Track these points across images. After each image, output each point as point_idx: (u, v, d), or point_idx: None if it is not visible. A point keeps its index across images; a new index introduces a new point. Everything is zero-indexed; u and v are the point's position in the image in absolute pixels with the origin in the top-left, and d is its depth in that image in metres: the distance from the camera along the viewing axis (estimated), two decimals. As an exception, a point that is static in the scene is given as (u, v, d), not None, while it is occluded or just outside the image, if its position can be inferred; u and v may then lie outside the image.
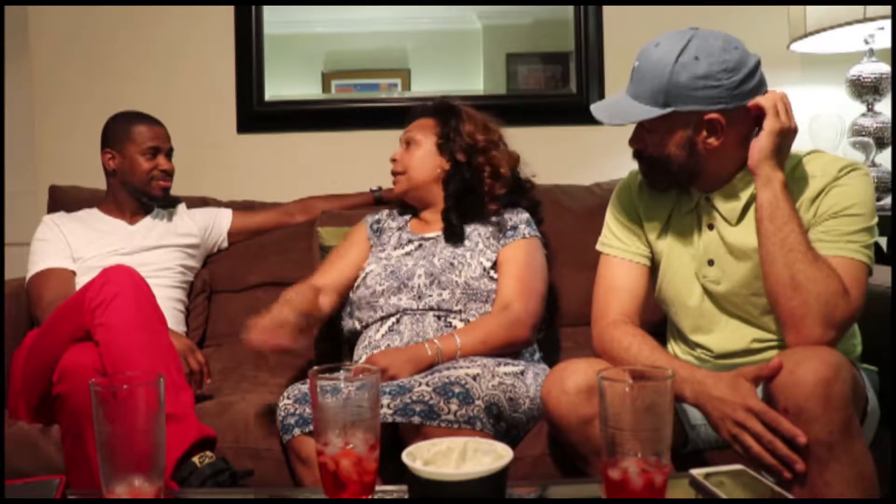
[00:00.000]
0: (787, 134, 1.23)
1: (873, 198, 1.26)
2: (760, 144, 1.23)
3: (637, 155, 1.35)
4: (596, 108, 1.31)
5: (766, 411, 1.11)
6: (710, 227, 1.34)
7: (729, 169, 1.31)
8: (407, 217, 1.85)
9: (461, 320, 1.61)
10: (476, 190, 1.74)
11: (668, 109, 1.23)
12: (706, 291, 1.36)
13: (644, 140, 1.31)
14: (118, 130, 1.96)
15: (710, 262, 1.34)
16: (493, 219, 1.74)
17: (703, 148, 1.27)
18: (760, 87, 1.26)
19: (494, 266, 1.68)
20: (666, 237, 1.40)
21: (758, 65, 1.26)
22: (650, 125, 1.27)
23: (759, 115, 1.25)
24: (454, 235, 1.71)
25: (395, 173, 1.79)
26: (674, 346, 1.47)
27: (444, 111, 1.81)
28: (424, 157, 1.76)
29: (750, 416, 1.11)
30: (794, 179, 1.28)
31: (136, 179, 1.95)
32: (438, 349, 1.48)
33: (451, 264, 1.65)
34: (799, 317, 1.17)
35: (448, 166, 1.76)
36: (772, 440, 1.09)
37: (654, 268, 1.43)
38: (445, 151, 1.76)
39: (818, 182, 1.26)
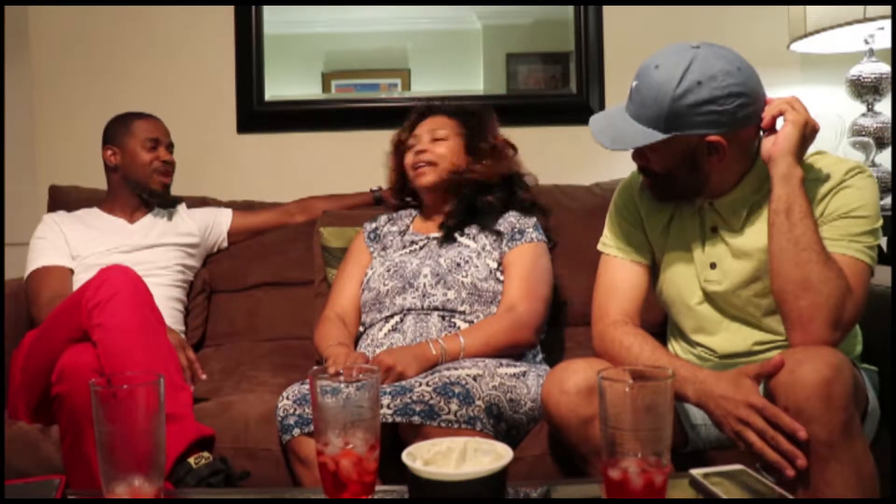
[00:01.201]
0: (810, 128, 1.22)
1: (878, 199, 1.26)
2: (786, 133, 1.21)
3: (642, 169, 1.34)
4: (596, 128, 1.29)
5: (766, 407, 1.11)
6: (714, 230, 1.34)
7: (732, 178, 1.30)
8: (408, 220, 1.85)
9: (465, 321, 1.61)
10: (504, 187, 1.80)
11: (670, 134, 1.22)
12: (707, 294, 1.36)
13: (646, 157, 1.30)
14: (118, 127, 1.97)
15: (713, 266, 1.34)
16: (501, 221, 1.75)
17: (706, 166, 1.27)
18: (762, 110, 1.25)
19: (500, 268, 1.68)
20: (667, 238, 1.40)
21: (759, 86, 1.24)
22: (652, 145, 1.26)
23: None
24: (452, 237, 1.72)
25: (424, 163, 1.75)
26: (674, 345, 1.47)
27: (465, 114, 1.82)
28: (454, 151, 1.76)
29: (752, 413, 1.11)
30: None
31: (138, 172, 1.95)
32: (443, 349, 1.48)
33: (458, 264, 1.65)
34: (808, 317, 1.16)
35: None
36: (774, 436, 1.09)
37: (654, 268, 1.43)
38: (473, 153, 1.77)
39: (825, 184, 1.25)
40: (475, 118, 1.82)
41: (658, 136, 1.22)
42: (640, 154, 1.31)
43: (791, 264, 1.17)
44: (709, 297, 1.36)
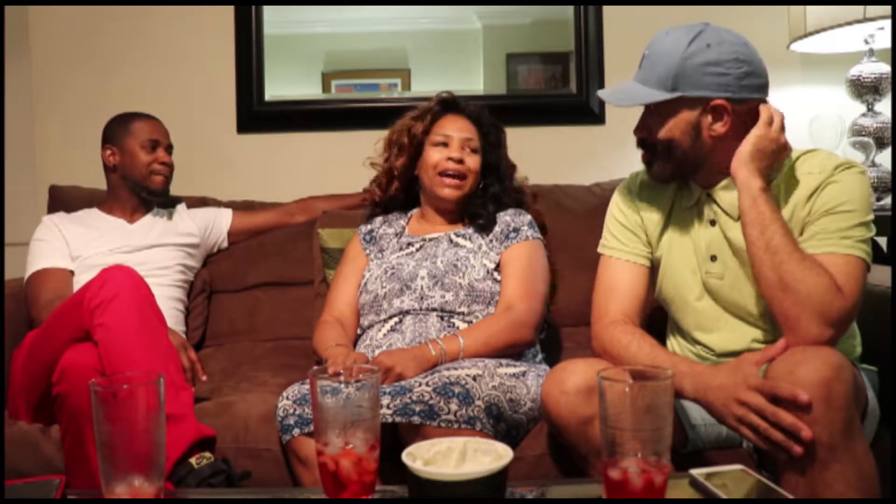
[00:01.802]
0: (769, 143, 1.24)
1: (867, 194, 1.26)
2: (740, 148, 1.25)
3: (641, 143, 1.35)
4: (603, 92, 1.34)
5: (763, 384, 1.11)
6: (713, 222, 1.34)
7: (730, 163, 1.31)
8: (403, 222, 1.84)
9: (464, 321, 1.61)
10: (511, 195, 1.82)
11: (676, 94, 1.24)
12: (707, 289, 1.36)
13: (649, 127, 1.32)
14: (118, 127, 1.97)
15: (713, 258, 1.34)
16: (496, 220, 1.74)
17: (708, 135, 1.28)
18: (765, 88, 1.28)
19: (497, 268, 1.68)
20: (667, 234, 1.40)
21: (764, 66, 1.28)
22: (656, 109, 1.29)
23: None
24: (489, 224, 1.73)
25: (458, 175, 1.72)
26: (673, 343, 1.47)
27: (486, 123, 1.79)
28: (478, 168, 1.75)
29: (752, 393, 1.11)
30: (792, 177, 1.29)
31: (136, 173, 1.95)
32: (442, 349, 1.48)
33: (455, 266, 1.65)
34: (793, 317, 1.17)
35: (481, 177, 1.78)
36: (775, 411, 1.08)
37: (654, 268, 1.43)
38: (487, 168, 1.78)
39: (814, 179, 1.26)
40: (494, 132, 1.79)
41: (664, 95, 1.25)
42: (642, 126, 1.33)
43: (767, 269, 1.19)
44: (710, 292, 1.36)
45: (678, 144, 1.29)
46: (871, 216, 1.25)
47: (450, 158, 1.71)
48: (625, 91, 1.31)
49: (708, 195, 1.34)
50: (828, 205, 1.24)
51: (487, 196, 1.77)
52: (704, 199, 1.35)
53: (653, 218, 1.41)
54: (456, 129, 1.75)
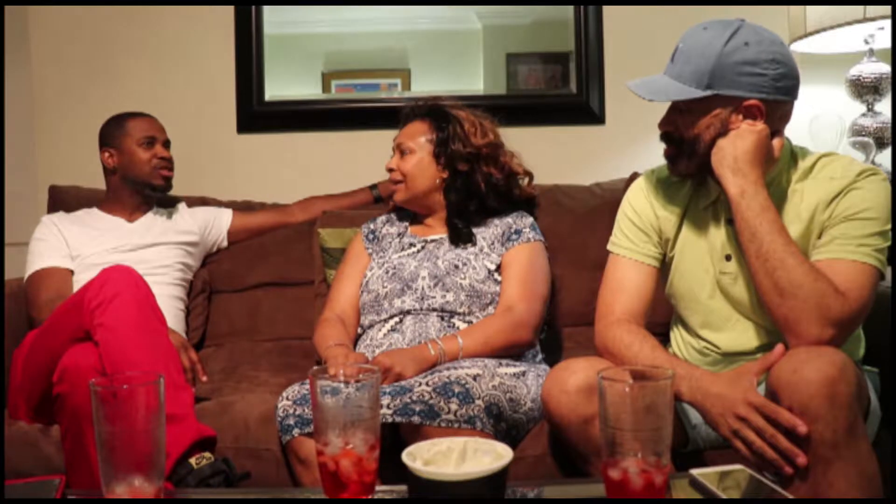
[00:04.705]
0: (752, 145, 1.23)
1: (889, 203, 1.24)
2: (724, 151, 1.23)
3: (665, 137, 1.34)
4: (633, 85, 1.30)
5: (765, 404, 1.11)
6: (730, 221, 1.32)
7: None
8: (406, 222, 1.84)
9: (464, 322, 1.61)
10: (478, 196, 1.73)
11: (710, 92, 1.23)
12: (720, 287, 1.35)
13: (675, 122, 1.30)
14: (113, 129, 1.98)
15: (728, 258, 1.33)
16: (498, 222, 1.74)
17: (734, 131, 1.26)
18: (797, 90, 1.27)
19: (499, 269, 1.68)
20: (682, 234, 1.39)
21: (797, 68, 1.27)
22: (685, 106, 1.27)
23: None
24: (463, 238, 1.71)
25: (393, 182, 1.77)
26: (677, 336, 1.46)
27: (437, 115, 1.76)
28: (421, 165, 1.73)
29: (751, 410, 1.11)
30: (813, 180, 1.28)
31: (138, 171, 1.95)
32: (441, 350, 1.48)
33: (456, 266, 1.65)
34: (793, 321, 1.16)
35: (446, 174, 1.73)
36: (773, 434, 1.08)
37: (664, 267, 1.42)
38: (442, 160, 1.73)
39: (836, 184, 1.25)
40: (445, 120, 1.74)
41: (698, 93, 1.24)
42: (668, 121, 1.32)
43: (761, 275, 1.19)
44: (722, 291, 1.35)
45: (703, 140, 1.28)
46: (889, 226, 1.23)
47: (389, 170, 1.78)
48: (656, 84, 1.28)
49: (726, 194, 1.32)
50: (848, 210, 1.23)
51: (453, 209, 1.73)
52: (723, 198, 1.32)
53: (668, 217, 1.39)
54: (397, 140, 1.78)
